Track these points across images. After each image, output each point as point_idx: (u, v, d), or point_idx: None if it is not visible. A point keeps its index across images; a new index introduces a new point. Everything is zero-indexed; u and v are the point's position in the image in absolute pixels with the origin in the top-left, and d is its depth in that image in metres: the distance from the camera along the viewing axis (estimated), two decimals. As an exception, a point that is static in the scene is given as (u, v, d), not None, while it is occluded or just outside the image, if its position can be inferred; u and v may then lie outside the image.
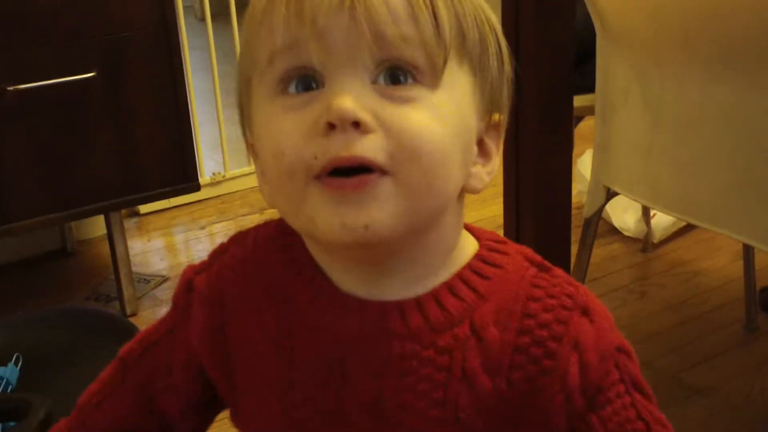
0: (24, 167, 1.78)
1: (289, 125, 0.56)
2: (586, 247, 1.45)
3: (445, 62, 0.57)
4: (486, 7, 0.62)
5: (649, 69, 1.29)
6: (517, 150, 1.53)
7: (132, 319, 1.99)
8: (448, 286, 0.61)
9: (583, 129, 1.96)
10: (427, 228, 0.59)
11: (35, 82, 1.74)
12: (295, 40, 0.56)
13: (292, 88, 0.57)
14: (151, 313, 2.03)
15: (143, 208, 2.54)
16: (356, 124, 0.54)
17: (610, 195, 1.43)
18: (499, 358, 0.59)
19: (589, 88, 1.45)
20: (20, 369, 1.19)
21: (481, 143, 0.62)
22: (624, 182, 1.40)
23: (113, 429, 0.70)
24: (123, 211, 2.04)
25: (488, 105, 0.62)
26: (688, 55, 1.22)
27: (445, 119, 0.57)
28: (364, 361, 0.60)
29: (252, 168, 2.71)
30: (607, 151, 1.40)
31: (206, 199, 2.64)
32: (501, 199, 1.59)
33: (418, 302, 0.61)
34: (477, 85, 0.60)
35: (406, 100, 0.56)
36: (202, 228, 2.49)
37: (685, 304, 1.95)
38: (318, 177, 0.55)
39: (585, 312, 0.61)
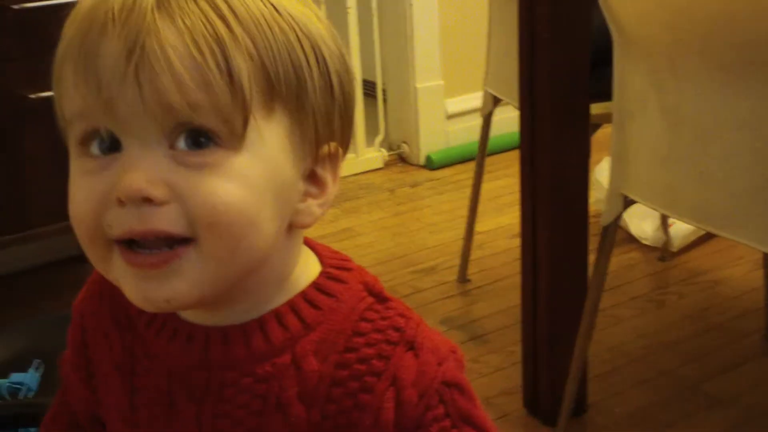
0: (44, 174, 1.79)
1: (84, 192, 0.55)
2: (604, 255, 1.43)
3: (245, 124, 0.54)
4: (307, 22, 0.57)
5: (667, 76, 1.28)
6: (533, 158, 1.52)
7: None
8: (276, 314, 0.61)
9: (600, 137, 1.95)
10: (247, 274, 0.58)
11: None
12: (86, 107, 0.54)
13: (93, 148, 0.55)
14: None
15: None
16: (148, 200, 0.53)
17: (628, 203, 1.42)
18: (315, 389, 0.59)
19: (606, 94, 1.44)
20: (41, 375, 1.19)
21: (312, 175, 0.60)
22: (642, 190, 1.39)
23: None
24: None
25: (313, 140, 0.59)
26: (706, 62, 1.21)
27: (248, 181, 0.55)
28: (188, 388, 0.61)
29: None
30: (624, 159, 1.39)
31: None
32: (518, 207, 1.58)
33: (243, 330, 0.60)
34: (295, 126, 0.57)
35: (203, 167, 0.53)
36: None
37: (704, 314, 1.93)
38: (118, 243, 0.55)
39: (411, 347, 0.60)
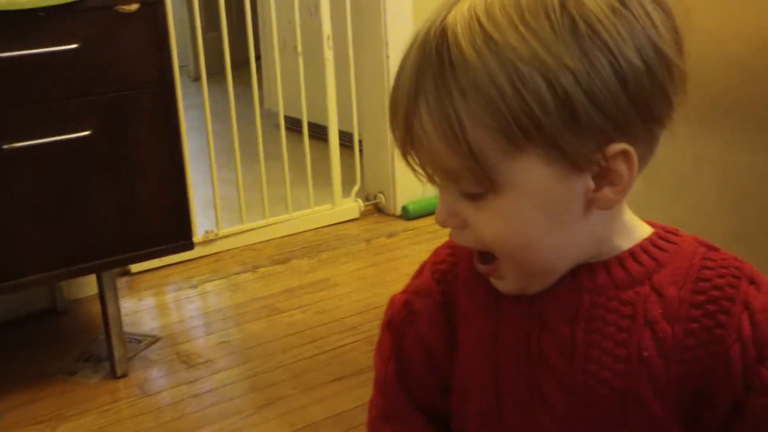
0: (20, 226, 1.77)
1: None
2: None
3: (491, 178, 0.65)
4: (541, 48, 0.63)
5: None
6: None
7: (123, 381, 1.98)
8: (631, 254, 0.72)
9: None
10: (551, 269, 0.71)
11: (32, 140, 1.74)
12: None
13: None
14: (142, 374, 2.01)
15: (135, 267, 2.53)
16: (448, 226, 0.69)
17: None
18: (677, 310, 0.70)
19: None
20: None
21: (604, 170, 0.67)
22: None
23: None
24: (114, 270, 2.03)
25: (579, 150, 0.65)
26: (681, 114, 1.23)
27: (512, 215, 0.67)
28: (560, 311, 0.72)
29: (244, 227, 2.72)
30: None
31: (199, 257, 2.63)
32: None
33: (605, 264, 0.72)
34: (549, 150, 0.64)
35: (482, 207, 0.67)
36: (194, 287, 2.48)
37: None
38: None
39: (752, 281, 0.71)
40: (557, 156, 0.64)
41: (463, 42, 0.62)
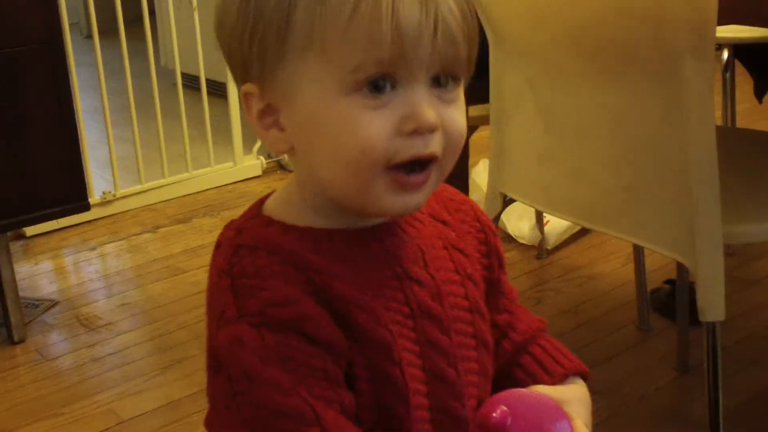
0: None
1: (376, 125, 0.67)
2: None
3: (472, 67, 0.71)
4: None
5: (541, 76, 1.31)
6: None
7: (20, 346, 1.92)
8: None
9: (477, 139, 1.99)
10: None
11: None
12: (387, 58, 0.66)
13: (366, 90, 0.67)
14: (41, 339, 1.96)
15: (30, 230, 2.46)
16: (432, 130, 0.68)
17: (507, 202, 1.45)
18: (457, 228, 0.81)
19: (482, 99, 1.47)
20: None
21: None
22: (519, 188, 1.42)
23: None
24: (8, 234, 1.96)
25: None
26: (578, 61, 1.24)
27: (463, 108, 0.71)
28: (413, 262, 0.76)
29: (143, 186, 2.66)
30: (502, 159, 1.42)
31: (97, 219, 2.57)
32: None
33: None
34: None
35: (451, 101, 0.70)
36: (93, 249, 2.42)
37: (580, 308, 1.99)
38: (389, 168, 0.68)
39: None
40: None
41: None
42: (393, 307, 0.73)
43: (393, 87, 0.67)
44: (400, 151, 0.67)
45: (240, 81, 0.72)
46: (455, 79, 0.70)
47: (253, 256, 0.70)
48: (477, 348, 0.79)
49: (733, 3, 1.12)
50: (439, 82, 0.69)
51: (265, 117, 0.71)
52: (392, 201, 0.69)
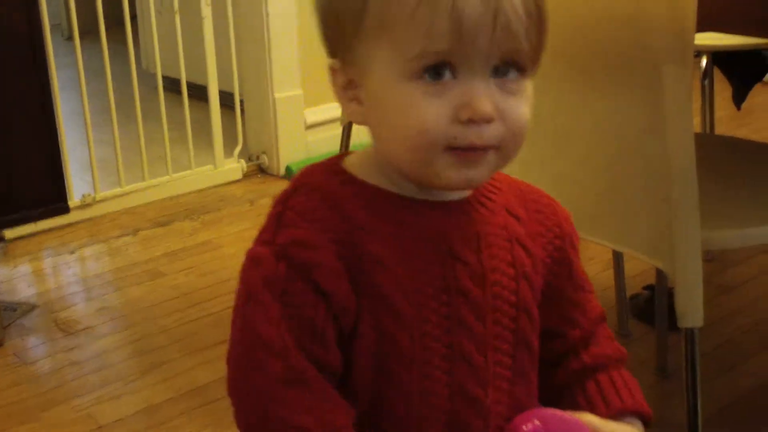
0: None
1: (433, 110, 0.70)
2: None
3: (538, 63, 0.73)
4: None
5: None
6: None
7: (-1, 350, 1.91)
8: (484, 186, 0.81)
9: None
10: None
11: None
12: (445, 47, 0.69)
13: (427, 76, 0.71)
14: (19, 342, 1.95)
15: (9, 233, 2.44)
16: (488, 120, 0.71)
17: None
18: (530, 228, 0.82)
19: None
20: None
21: None
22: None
23: None
24: (-13, 236, 1.95)
25: None
26: (559, 67, 1.25)
27: (529, 100, 0.74)
28: (465, 243, 0.78)
29: (123, 189, 2.65)
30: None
31: (76, 222, 2.56)
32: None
33: (476, 197, 0.80)
34: None
35: (514, 92, 0.72)
36: (72, 252, 2.41)
37: (560, 313, 1.99)
38: (450, 149, 0.71)
39: (552, 198, 0.88)
40: None
41: None
42: (423, 279, 0.75)
43: (453, 75, 0.71)
44: (458, 137, 0.71)
45: (328, 55, 0.77)
46: (520, 70, 0.72)
47: (307, 196, 0.76)
48: (516, 345, 0.80)
49: (711, 10, 1.12)
50: (502, 72, 0.71)
51: (348, 90, 0.76)
52: (452, 174, 0.73)
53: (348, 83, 0.76)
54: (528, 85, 0.74)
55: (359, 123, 0.77)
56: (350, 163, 0.79)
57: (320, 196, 0.75)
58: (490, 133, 0.71)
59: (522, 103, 0.73)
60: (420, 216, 0.76)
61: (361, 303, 0.74)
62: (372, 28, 0.72)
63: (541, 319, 0.83)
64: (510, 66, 0.72)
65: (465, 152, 0.72)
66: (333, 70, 0.77)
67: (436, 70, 0.70)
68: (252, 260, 0.75)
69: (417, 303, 0.75)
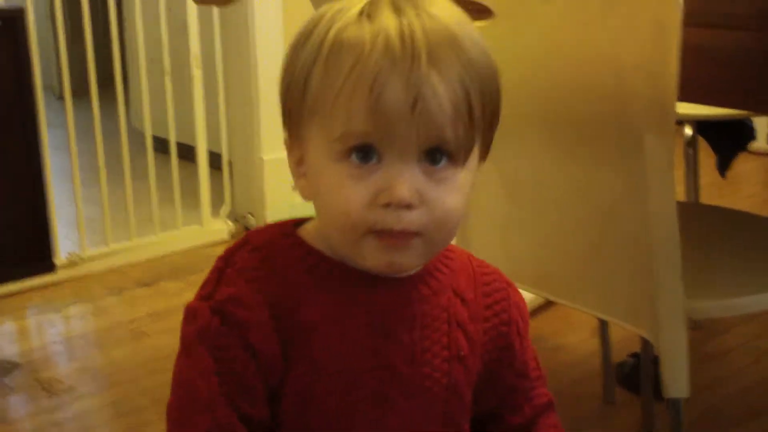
0: None
1: (354, 194, 0.71)
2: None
3: (471, 150, 0.73)
4: (495, 65, 0.74)
5: (504, 147, 1.32)
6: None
7: (-22, 409, 1.89)
8: (433, 263, 0.80)
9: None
10: None
11: None
12: (369, 131, 0.70)
13: (353, 158, 0.71)
14: (1, 401, 1.92)
15: (-7, 291, 2.42)
16: (408, 206, 0.70)
17: (472, 272, 1.45)
18: (476, 312, 0.82)
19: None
20: None
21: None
22: (484, 258, 1.42)
23: None
24: (-30, 294, 1.94)
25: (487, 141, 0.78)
26: (541, 135, 1.26)
27: (464, 190, 0.74)
28: (401, 321, 0.78)
29: (109, 248, 2.65)
30: (465, 229, 1.43)
31: (62, 281, 2.54)
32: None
33: (420, 276, 0.79)
34: (485, 139, 0.76)
35: (442, 180, 0.72)
36: (57, 311, 2.39)
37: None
38: (373, 232, 0.72)
39: (509, 283, 0.87)
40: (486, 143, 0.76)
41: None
42: (355, 352, 0.75)
43: (378, 159, 0.71)
44: (378, 221, 0.71)
45: (283, 129, 0.79)
46: (450, 159, 0.72)
47: (250, 255, 0.76)
48: (445, 426, 0.80)
49: (694, 84, 1.14)
50: (431, 158, 0.71)
51: (300, 166, 0.77)
52: (377, 257, 0.73)
53: (300, 159, 0.77)
54: (461, 174, 0.73)
55: (306, 198, 0.78)
56: (304, 229, 0.80)
57: (262, 256, 0.76)
58: (411, 219, 0.71)
59: (450, 192, 0.72)
60: (360, 289, 0.76)
61: (290, 366, 0.75)
62: (308, 108, 0.73)
63: (480, 401, 0.84)
64: (440, 153, 0.71)
65: (388, 237, 0.71)
66: (287, 145, 0.78)
67: (363, 153, 0.71)
68: (190, 314, 0.76)
69: (346, 375, 0.75)
